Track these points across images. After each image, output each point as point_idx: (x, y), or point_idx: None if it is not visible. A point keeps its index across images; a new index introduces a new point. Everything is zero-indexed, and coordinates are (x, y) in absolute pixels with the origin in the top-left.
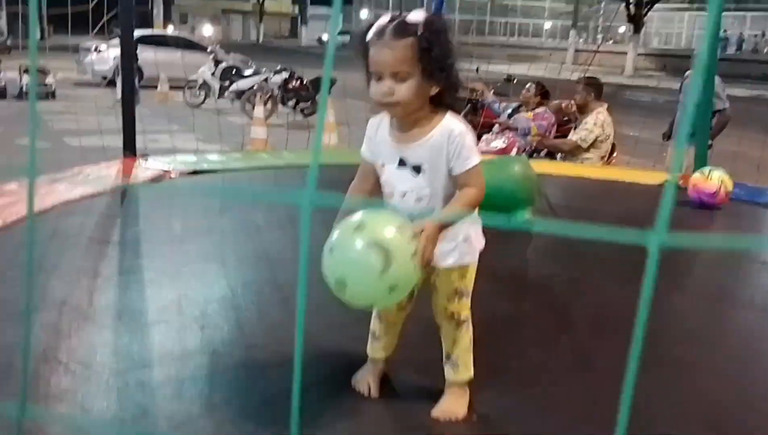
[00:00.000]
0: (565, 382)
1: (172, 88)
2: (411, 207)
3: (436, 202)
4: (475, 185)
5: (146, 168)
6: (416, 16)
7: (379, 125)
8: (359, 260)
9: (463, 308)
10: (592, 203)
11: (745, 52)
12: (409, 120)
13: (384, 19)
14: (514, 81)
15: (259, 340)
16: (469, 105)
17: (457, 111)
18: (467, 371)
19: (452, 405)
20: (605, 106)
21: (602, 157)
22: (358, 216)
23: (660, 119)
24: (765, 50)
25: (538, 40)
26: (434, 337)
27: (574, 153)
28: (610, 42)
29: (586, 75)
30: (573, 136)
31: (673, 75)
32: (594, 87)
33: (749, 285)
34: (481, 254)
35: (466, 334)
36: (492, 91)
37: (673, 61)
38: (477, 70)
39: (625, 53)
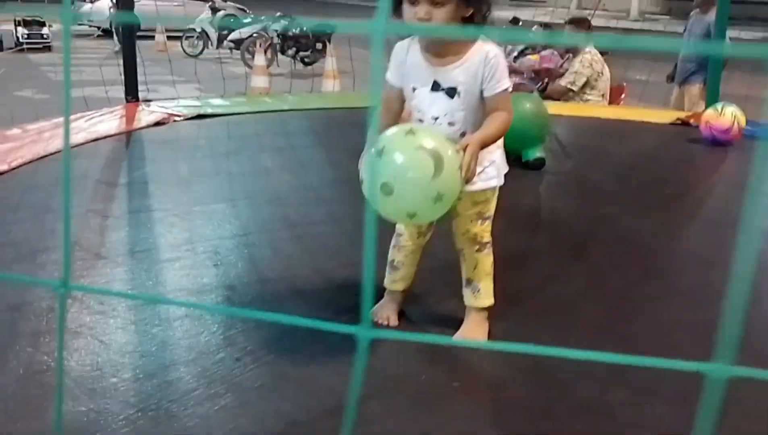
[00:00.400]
0: (582, 309)
1: (169, 38)
2: (444, 130)
3: (468, 126)
4: (505, 108)
5: (150, 112)
6: None
7: (409, 48)
8: (412, 162)
9: (486, 232)
10: (602, 142)
11: None
12: (443, 43)
13: None
14: (520, 24)
15: (274, 274)
16: None
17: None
18: (488, 297)
19: (473, 331)
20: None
21: (603, 96)
22: (406, 125)
23: (666, 63)
24: None
25: None
26: (450, 270)
27: (567, 97)
28: None
29: (544, 25)
30: (562, 81)
31: (678, 18)
32: (581, 27)
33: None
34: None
35: (488, 259)
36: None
37: (679, 4)
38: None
39: None
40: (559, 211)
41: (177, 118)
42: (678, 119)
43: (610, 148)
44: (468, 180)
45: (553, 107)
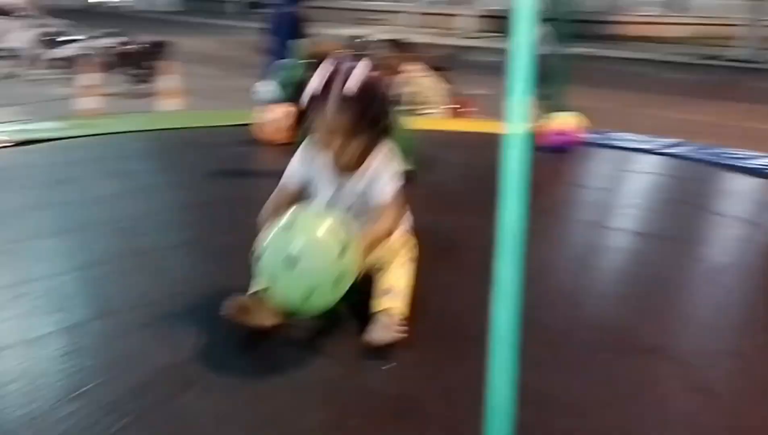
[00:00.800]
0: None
1: None
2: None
3: (365, 225)
4: (393, 208)
5: None
6: (350, 85)
7: (317, 153)
8: (323, 238)
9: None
10: (464, 154)
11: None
12: (351, 163)
13: (321, 82)
14: (358, 40)
15: (125, 306)
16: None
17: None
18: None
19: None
20: (416, 62)
21: (440, 108)
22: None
23: (500, 78)
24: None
25: (376, 3)
26: None
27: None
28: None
29: (383, 41)
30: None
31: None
32: (399, 48)
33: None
34: None
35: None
36: (341, 51)
37: (511, 22)
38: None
39: (464, 15)
40: (435, 224)
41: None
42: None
43: (468, 160)
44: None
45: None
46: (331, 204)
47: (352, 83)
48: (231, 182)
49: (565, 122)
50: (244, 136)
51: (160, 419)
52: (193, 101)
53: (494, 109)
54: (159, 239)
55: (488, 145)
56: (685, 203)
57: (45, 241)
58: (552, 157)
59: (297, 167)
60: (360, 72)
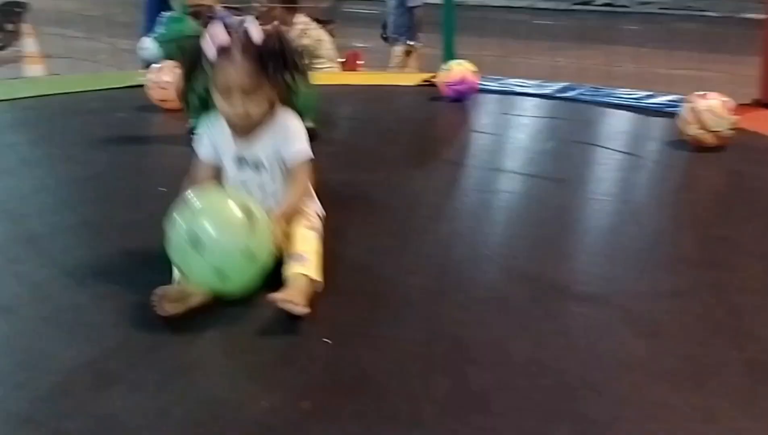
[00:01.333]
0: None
1: None
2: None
3: (280, 193)
4: (303, 177)
5: None
6: (255, 31)
7: (215, 123)
8: (224, 212)
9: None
10: (363, 108)
11: None
12: (249, 123)
13: (220, 33)
14: None
15: (23, 307)
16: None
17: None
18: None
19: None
20: (301, 15)
21: (332, 61)
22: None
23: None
24: None
25: None
26: None
27: None
28: None
29: None
30: None
31: None
32: (282, 2)
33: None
34: None
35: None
36: (220, 5)
37: None
38: None
39: None
40: (346, 183)
41: None
42: (424, 80)
43: (370, 114)
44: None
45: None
46: (238, 171)
47: (256, 33)
48: (120, 151)
49: (460, 71)
50: (123, 101)
51: (83, 427)
52: (58, 65)
53: (380, 61)
54: (51, 221)
55: (385, 98)
56: (584, 144)
57: None
58: (451, 106)
59: (203, 139)
60: (256, 24)
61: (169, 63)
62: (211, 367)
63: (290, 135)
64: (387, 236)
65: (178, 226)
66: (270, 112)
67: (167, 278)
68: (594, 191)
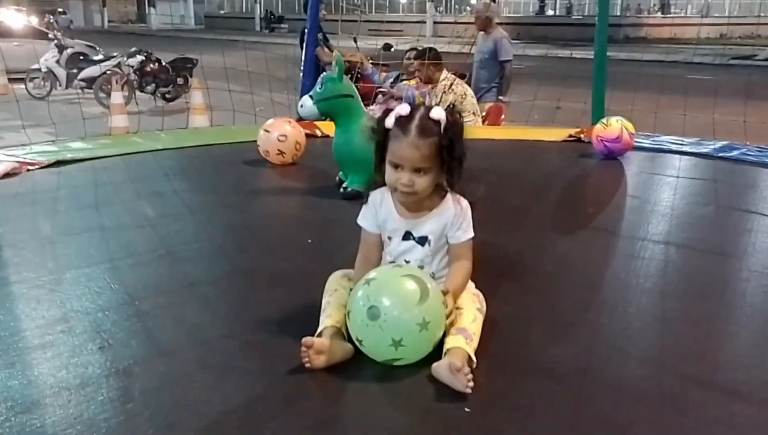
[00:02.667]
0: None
1: (11, 80)
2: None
3: (435, 268)
4: (469, 258)
5: None
6: (438, 114)
7: (383, 199)
8: (400, 286)
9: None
10: (507, 163)
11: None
12: (418, 202)
13: (404, 109)
14: (392, 49)
15: (179, 349)
16: (350, 76)
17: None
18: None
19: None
20: (445, 71)
21: (474, 114)
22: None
23: (523, 83)
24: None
25: (396, 14)
26: None
27: None
28: (466, 13)
29: (415, 49)
30: None
31: (526, 41)
32: (431, 57)
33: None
34: None
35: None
36: (370, 61)
37: (525, 28)
38: (355, 40)
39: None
40: (489, 243)
41: (30, 168)
42: (570, 135)
43: (516, 169)
44: (449, 325)
45: None
46: (400, 253)
47: (439, 116)
48: (272, 201)
49: (618, 128)
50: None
51: None
52: (220, 116)
53: (523, 115)
54: (208, 267)
55: (529, 153)
56: (746, 210)
57: (86, 271)
58: (600, 164)
59: (366, 217)
60: (441, 109)
61: (310, 120)
62: (350, 426)
63: (459, 218)
64: (533, 302)
65: (360, 301)
66: (438, 191)
67: (312, 330)
68: (757, 264)
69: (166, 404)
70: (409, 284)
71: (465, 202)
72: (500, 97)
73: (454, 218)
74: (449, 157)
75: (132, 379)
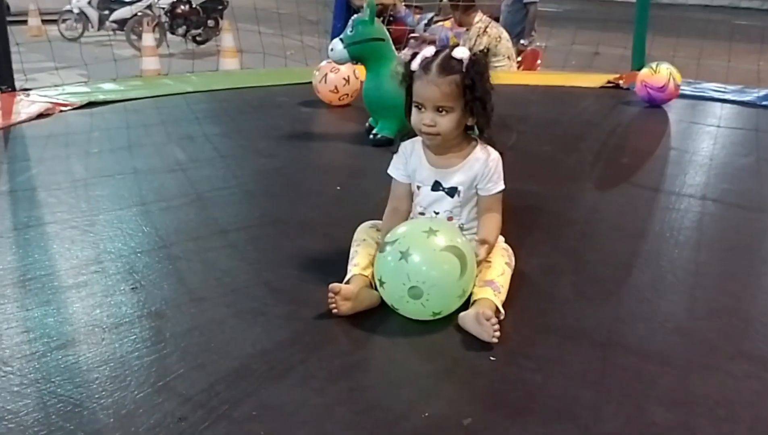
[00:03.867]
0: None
1: (44, 21)
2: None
3: (464, 219)
4: (498, 210)
5: (30, 102)
6: (461, 52)
7: (413, 149)
8: (442, 265)
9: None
10: (541, 110)
11: None
12: (445, 147)
13: (429, 50)
14: None
15: (210, 292)
16: (382, 18)
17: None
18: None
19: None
20: (479, 13)
21: (509, 58)
22: (421, 224)
23: (561, 27)
24: None
25: None
26: None
27: None
28: None
29: None
30: None
31: None
32: (461, 1)
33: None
34: None
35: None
36: (403, 3)
37: None
38: None
39: None
40: (520, 194)
41: (63, 108)
42: (608, 81)
43: (551, 116)
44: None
45: None
46: (429, 203)
47: (462, 54)
48: (302, 146)
49: (666, 76)
50: (308, 96)
51: (249, 414)
52: (251, 59)
53: (560, 61)
54: (238, 212)
55: (566, 100)
56: None
57: (118, 213)
58: (641, 111)
59: (397, 166)
60: (465, 48)
61: (348, 64)
62: (377, 371)
63: (490, 169)
64: (562, 255)
65: (399, 278)
66: (468, 140)
67: (339, 277)
68: None
69: (197, 346)
70: (451, 259)
71: (495, 154)
72: (522, 42)
73: (484, 169)
74: (471, 96)
75: (163, 321)
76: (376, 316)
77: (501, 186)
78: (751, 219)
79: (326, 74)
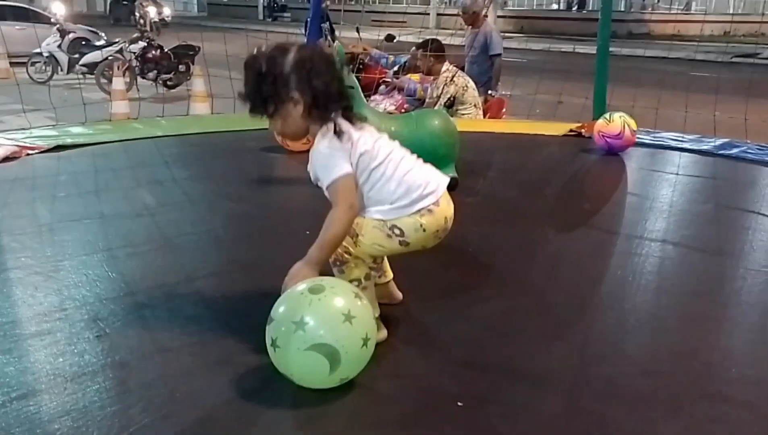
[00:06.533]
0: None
1: (13, 63)
2: None
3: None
4: (337, 203)
5: None
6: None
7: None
8: (307, 365)
9: (349, 248)
10: (506, 157)
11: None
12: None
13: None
14: (395, 41)
15: (175, 342)
16: (351, 66)
17: (328, 119)
18: None
19: None
20: (447, 63)
21: (475, 106)
22: (301, 306)
23: (528, 78)
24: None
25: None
26: None
27: None
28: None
29: (420, 41)
30: (428, 102)
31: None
32: (430, 50)
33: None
34: None
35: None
36: (375, 48)
37: (529, 22)
38: (357, 30)
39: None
40: (486, 237)
41: (30, 152)
42: (571, 130)
43: (515, 163)
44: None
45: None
46: None
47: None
48: (271, 191)
49: (620, 124)
50: (275, 141)
51: None
52: (221, 104)
53: (524, 109)
54: (205, 259)
55: (529, 147)
56: (744, 209)
57: (84, 259)
58: (600, 159)
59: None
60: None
61: None
62: (341, 419)
63: (314, 160)
64: (527, 298)
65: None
66: (317, 127)
67: None
68: (754, 263)
69: (161, 396)
70: (316, 359)
71: (320, 144)
72: (489, 92)
73: (314, 159)
74: (272, 93)
75: (128, 370)
76: None
77: (328, 176)
78: (710, 264)
79: None
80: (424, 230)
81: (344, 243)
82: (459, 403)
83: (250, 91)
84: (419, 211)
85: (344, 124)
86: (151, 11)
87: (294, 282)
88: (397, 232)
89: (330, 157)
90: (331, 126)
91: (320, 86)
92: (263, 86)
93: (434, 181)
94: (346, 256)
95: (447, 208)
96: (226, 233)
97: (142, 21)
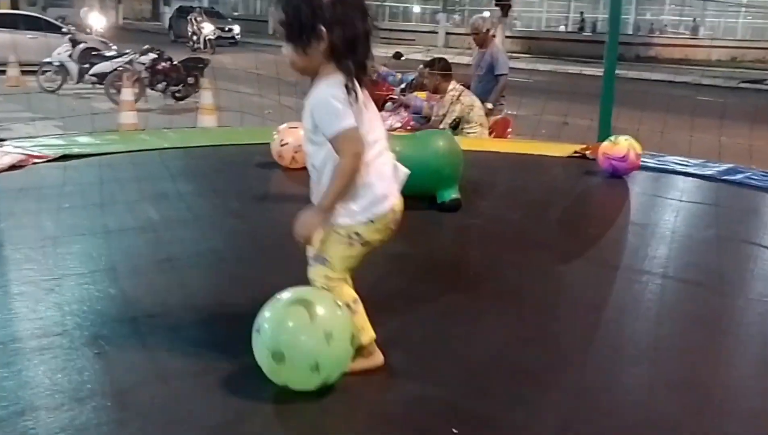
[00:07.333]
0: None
1: (24, 72)
2: (314, 179)
3: (326, 169)
4: (343, 152)
5: (3, 153)
6: None
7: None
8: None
9: (318, 277)
10: (510, 178)
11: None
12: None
13: None
14: (403, 58)
15: (178, 368)
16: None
17: (342, 67)
18: None
19: None
20: (453, 82)
21: (481, 125)
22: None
23: (534, 98)
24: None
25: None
26: None
27: None
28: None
29: (428, 60)
30: (434, 120)
31: (537, 56)
32: (437, 69)
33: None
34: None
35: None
36: (384, 66)
37: (537, 43)
38: None
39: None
40: (487, 261)
41: (37, 160)
42: (575, 152)
43: (519, 184)
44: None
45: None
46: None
47: None
48: (275, 208)
49: (626, 147)
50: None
51: None
52: (228, 117)
53: (530, 129)
54: (210, 279)
55: (534, 168)
56: (747, 237)
57: (86, 274)
58: (604, 182)
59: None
60: None
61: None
62: None
63: (317, 104)
64: (527, 326)
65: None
66: (327, 70)
67: None
68: (755, 292)
69: (160, 416)
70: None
71: (326, 87)
72: (486, 104)
73: (313, 107)
74: (291, 28)
75: (126, 390)
76: (341, 386)
77: (336, 126)
78: (711, 292)
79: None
80: (378, 229)
81: (320, 277)
82: (454, 430)
83: (288, 18)
84: (375, 215)
85: (355, 85)
86: (207, 28)
87: (304, 230)
88: (356, 237)
89: (337, 107)
90: (341, 77)
91: (348, 31)
92: (300, 15)
93: (393, 189)
94: (330, 283)
95: (396, 202)
96: (229, 252)
97: (195, 37)
